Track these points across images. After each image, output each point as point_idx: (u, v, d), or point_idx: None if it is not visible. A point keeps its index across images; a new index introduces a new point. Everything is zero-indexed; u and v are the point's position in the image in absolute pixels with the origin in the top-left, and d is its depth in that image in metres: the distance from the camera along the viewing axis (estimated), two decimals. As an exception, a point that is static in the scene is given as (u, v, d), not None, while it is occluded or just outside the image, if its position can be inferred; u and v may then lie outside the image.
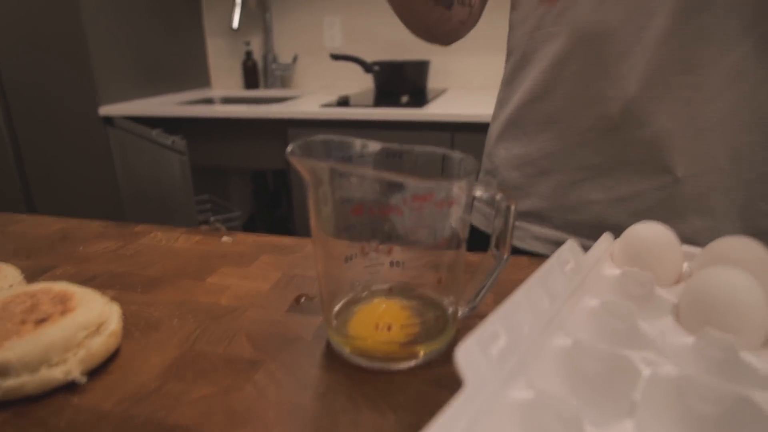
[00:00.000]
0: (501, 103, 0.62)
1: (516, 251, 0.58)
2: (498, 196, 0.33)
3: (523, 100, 0.56)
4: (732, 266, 0.32)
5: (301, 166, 0.28)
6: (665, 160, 0.48)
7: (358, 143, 0.33)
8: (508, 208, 0.33)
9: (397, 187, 0.26)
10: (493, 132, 0.63)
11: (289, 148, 0.28)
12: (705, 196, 0.48)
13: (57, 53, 1.71)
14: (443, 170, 0.33)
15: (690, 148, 0.47)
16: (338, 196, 0.28)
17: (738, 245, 0.35)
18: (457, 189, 0.29)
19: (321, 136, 0.32)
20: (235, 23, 2.01)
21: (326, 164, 0.27)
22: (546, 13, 0.52)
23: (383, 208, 0.27)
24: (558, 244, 0.55)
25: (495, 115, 0.64)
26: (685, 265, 0.39)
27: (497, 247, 0.35)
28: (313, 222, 0.32)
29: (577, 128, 0.52)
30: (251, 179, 2.36)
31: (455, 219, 0.30)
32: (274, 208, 2.36)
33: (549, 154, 0.55)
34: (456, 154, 0.33)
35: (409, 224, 0.28)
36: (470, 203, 0.32)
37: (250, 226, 2.37)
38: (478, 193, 0.32)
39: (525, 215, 0.58)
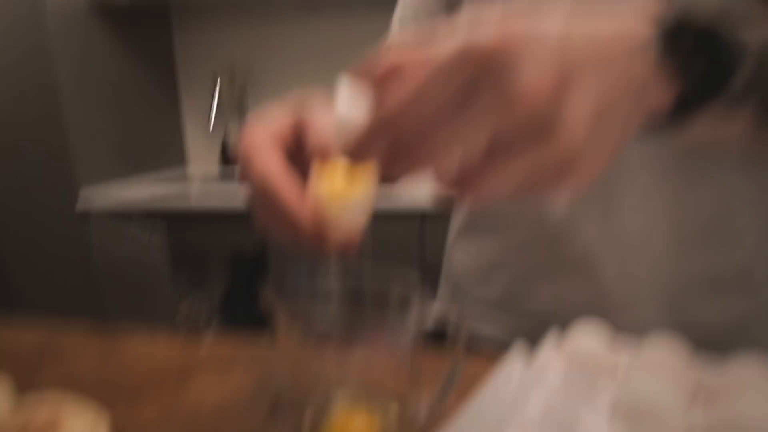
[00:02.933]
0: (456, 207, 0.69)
1: (474, 340, 0.63)
2: (450, 318, 0.38)
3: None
4: (656, 370, 0.37)
5: (277, 308, 0.33)
6: (596, 267, 0.54)
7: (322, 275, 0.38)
8: (459, 326, 0.38)
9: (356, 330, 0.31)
10: (452, 228, 0.70)
11: (263, 289, 0.33)
12: (633, 298, 0.54)
13: (34, 141, 1.75)
14: (396, 290, 0.38)
15: (616, 258, 0.53)
16: (301, 328, 0.33)
17: (663, 351, 0.40)
18: (409, 319, 0.34)
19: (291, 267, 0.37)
20: (213, 109, 2.09)
21: (288, 308, 0.32)
22: None
23: (345, 342, 0.31)
24: (513, 332, 0.60)
25: (453, 218, 0.71)
26: (623, 362, 0.44)
27: (452, 356, 0.39)
28: (279, 331, 0.36)
29: (518, 239, 0.59)
30: (230, 260, 2.37)
31: (411, 335, 0.35)
32: (253, 288, 2.35)
33: (496, 257, 0.62)
34: (413, 293, 0.37)
35: (369, 353, 0.32)
36: (425, 327, 0.37)
37: (228, 304, 2.36)
38: (433, 316, 0.37)
39: (481, 304, 0.63)
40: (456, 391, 0.45)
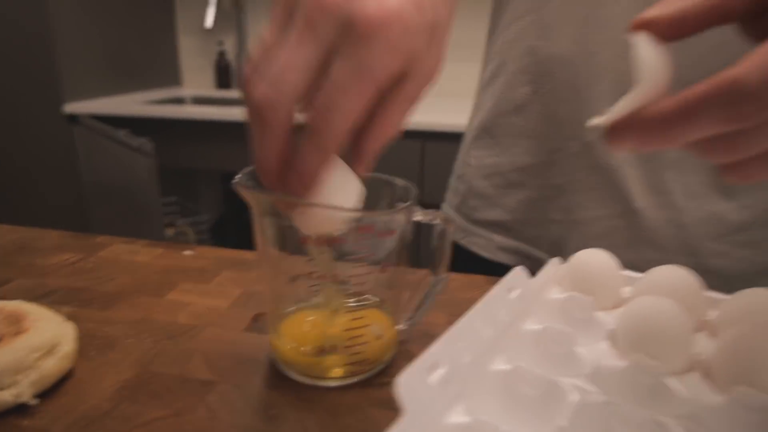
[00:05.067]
0: (476, 107, 0.63)
1: (481, 261, 0.59)
2: (436, 221, 0.35)
3: (499, 109, 0.57)
4: (663, 295, 0.34)
5: (247, 195, 0.29)
6: (624, 190, 0.50)
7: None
8: (443, 231, 0.35)
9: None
10: (467, 136, 0.65)
11: (236, 178, 0.29)
12: (659, 229, 0.50)
13: (20, 47, 1.67)
14: (386, 197, 0.35)
15: (648, 182, 0.49)
16: (284, 224, 0.29)
17: (672, 274, 0.37)
18: (398, 218, 0.31)
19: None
20: (209, 22, 2.00)
21: (271, 197, 0.28)
22: (529, 25, 0.53)
23: (328, 239, 0.28)
24: (521, 255, 0.57)
25: (470, 120, 0.65)
26: (627, 290, 0.41)
27: (434, 267, 0.37)
28: (258, 240, 0.33)
29: (548, 147, 0.54)
30: (221, 181, 2.34)
31: (397, 242, 0.32)
32: (243, 210, 2.34)
33: (518, 168, 0.56)
34: (398, 182, 0.34)
35: (353, 251, 0.29)
36: (410, 227, 0.34)
37: (218, 228, 2.35)
38: (418, 217, 0.34)
39: (490, 225, 0.60)
40: (450, 311, 0.43)
